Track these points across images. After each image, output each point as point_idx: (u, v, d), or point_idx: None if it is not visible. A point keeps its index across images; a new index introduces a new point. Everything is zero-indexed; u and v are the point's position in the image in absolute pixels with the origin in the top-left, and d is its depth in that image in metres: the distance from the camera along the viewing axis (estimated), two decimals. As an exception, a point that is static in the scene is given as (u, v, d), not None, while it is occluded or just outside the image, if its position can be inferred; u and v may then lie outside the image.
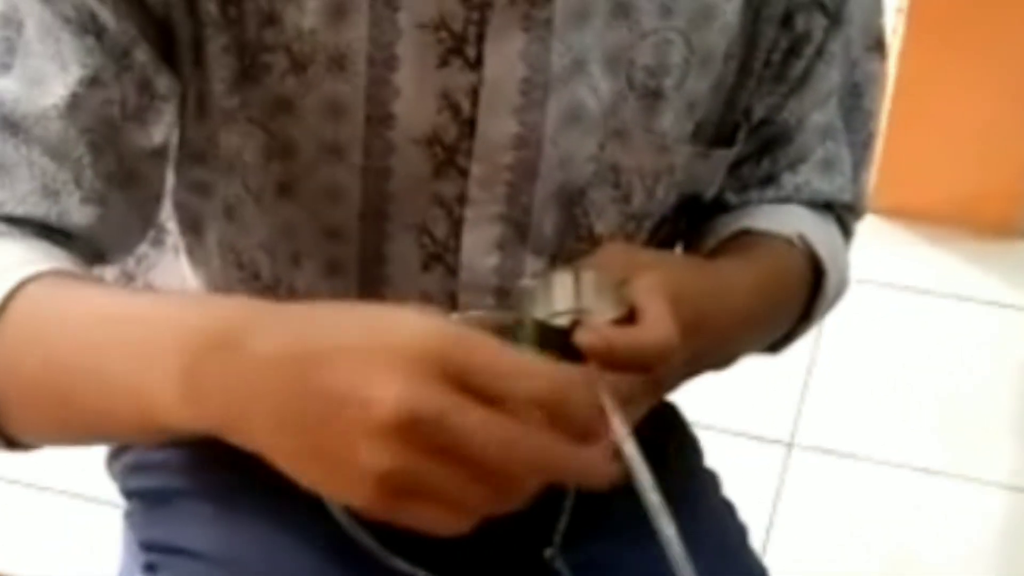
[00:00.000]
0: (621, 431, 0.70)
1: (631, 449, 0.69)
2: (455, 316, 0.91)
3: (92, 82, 0.80)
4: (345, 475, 0.61)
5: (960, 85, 2.17)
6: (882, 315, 2.18)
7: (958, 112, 2.20)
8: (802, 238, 0.95)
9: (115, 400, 0.69)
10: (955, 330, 2.16)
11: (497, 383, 0.60)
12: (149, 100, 0.82)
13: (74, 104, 0.80)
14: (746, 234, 0.95)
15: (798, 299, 0.97)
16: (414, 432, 0.58)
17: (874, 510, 1.91)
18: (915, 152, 2.24)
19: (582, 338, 0.74)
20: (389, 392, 0.58)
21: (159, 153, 0.84)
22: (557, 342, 0.74)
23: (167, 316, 0.69)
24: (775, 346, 1.00)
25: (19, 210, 0.79)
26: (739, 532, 1.07)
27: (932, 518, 1.90)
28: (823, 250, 0.96)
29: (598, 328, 0.75)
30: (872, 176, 2.53)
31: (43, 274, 0.74)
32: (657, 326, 0.77)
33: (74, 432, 0.76)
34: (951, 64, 2.16)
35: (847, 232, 1.03)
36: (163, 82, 0.82)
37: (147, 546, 1.02)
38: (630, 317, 0.77)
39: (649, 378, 0.77)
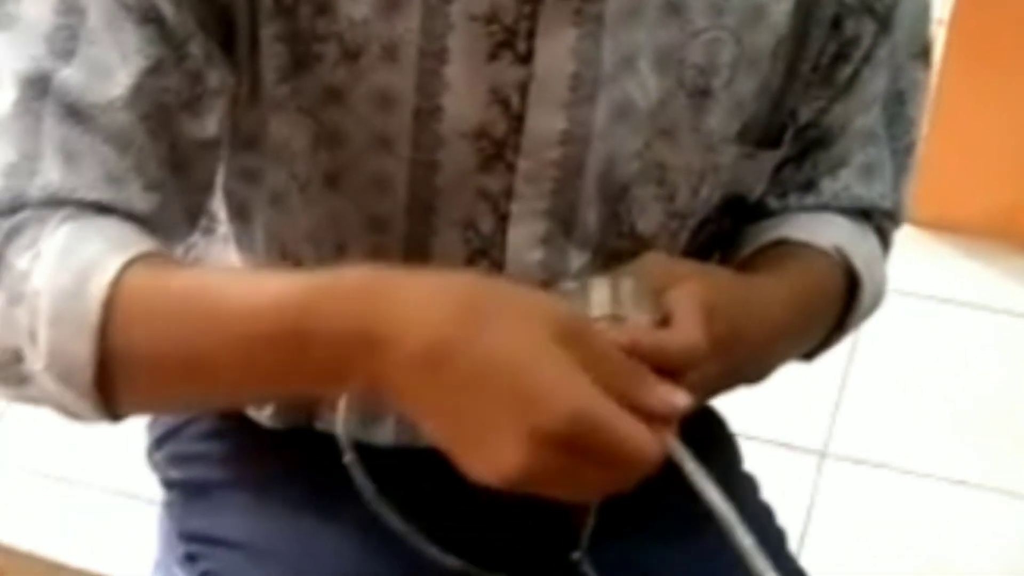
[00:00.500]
0: (673, 443, 0.73)
1: (682, 453, 0.74)
2: None
3: (152, 71, 0.81)
4: (496, 462, 0.69)
5: (1001, 98, 2.16)
6: (919, 326, 2.17)
7: (999, 125, 2.19)
8: (839, 250, 0.95)
9: (248, 374, 0.74)
10: (993, 343, 2.15)
11: (630, 384, 0.70)
12: (201, 92, 0.83)
13: (137, 94, 0.80)
14: (783, 244, 0.95)
15: (833, 311, 0.97)
16: (575, 441, 0.68)
17: (908, 521, 1.91)
18: (955, 165, 2.23)
19: (610, 336, 0.75)
20: (565, 404, 0.68)
21: (211, 143, 0.85)
22: None
23: (295, 308, 0.73)
24: (808, 354, 1.01)
25: (91, 195, 0.79)
26: (778, 535, 1.07)
27: (967, 530, 1.90)
28: (860, 262, 0.96)
29: (629, 329, 0.76)
30: (912, 188, 2.50)
31: (142, 255, 0.76)
32: (685, 330, 0.78)
33: (200, 397, 0.81)
34: (992, 76, 2.15)
35: (885, 242, 1.03)
36: (215, 76, 0.83)
37: (187, 536, 1.03)
38: (663, 324, 0.78)
39: (682, 386, 0.78)
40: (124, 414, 0.79)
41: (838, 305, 0.97)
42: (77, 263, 0.76)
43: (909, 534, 1.89)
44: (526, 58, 0.84)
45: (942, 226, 2.27)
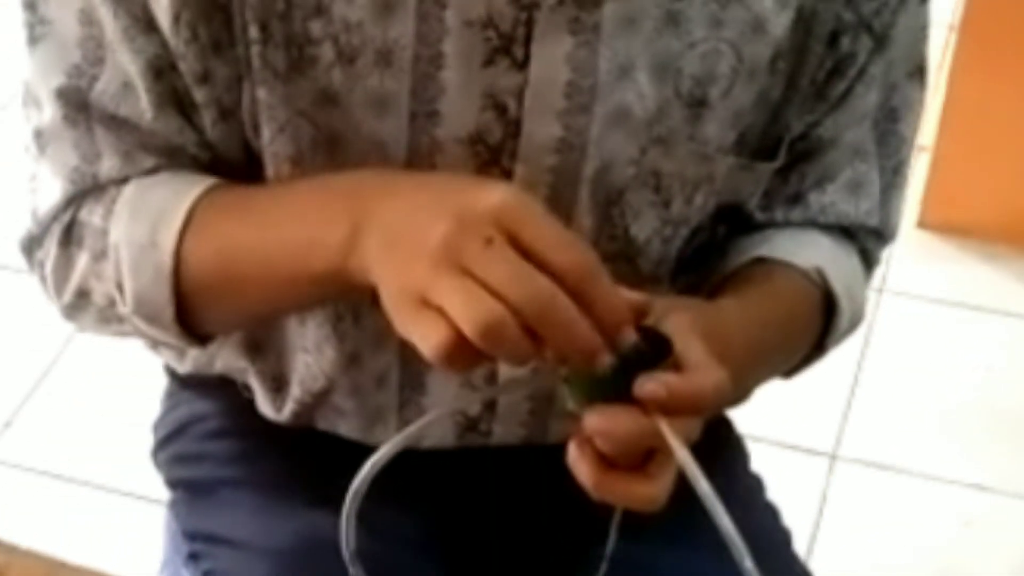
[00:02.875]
0: (681, 452, 0.74)
1: (689, 460, 0.74)
2: (501, 382, 0.94)
3: (161, 76, 0.86)
4: (395, 286, 0.75)
5: (1011, 101, 2.16)
6: (929, 330, 2.17)
7: (1009, 128, 2.18)
8: (819, 272, 0.95)
9: (279, 256, 0.84)
10: (1003, 346, 2.15)
11: (541, 245, 0.72)
12: (189, 105, 0.87)
13: (160, 100, 0.87)
14: (762, 263, 0.95)
15: (811, 332, 0.97)
16: (445, 254, 0.72)
17: (919, 525, 1.90)
18: (965, 168, 2.23)
19: (644, 389, 0.75)
20: (446, 225, 0.73)
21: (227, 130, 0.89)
22: (605, 390, 0.75)
23: (328, 180, 0.85)
24: (787, 372, 1.00)
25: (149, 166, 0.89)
26: (783, 535, 1.07)
27: (979, 534, 1.89)
28: (839, 285, 0.96)
29: (656, 378, 0.75)
30: (923, 192, 2.50)
31: (201, 196, 0.87)
32: (708, 370, 0.78)
33: (244, 307, 0.90)
34: (1002, 80, 2.15)
35: (869, 262, 1.03)
36: (201, 93, 0.86)
37: (191, 536, 1.04)
38: (662, 353, 0.78)
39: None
40: (209, 337, 0.92)
41: (816, 326, 0.97)
42: (148, 214, 0.87)
43: (921, 537, 1.88)
44: (522, 64, 0.84)
45: (952, 229, 2.27)
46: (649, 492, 0.77)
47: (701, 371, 0.77)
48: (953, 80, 2.17)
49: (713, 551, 0.75)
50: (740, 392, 0.91)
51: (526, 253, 0.72)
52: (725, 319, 0.87)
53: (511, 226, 0.73)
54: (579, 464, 0.77)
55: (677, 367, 0.77)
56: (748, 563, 0.73)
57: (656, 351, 0.77)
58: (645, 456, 0.77)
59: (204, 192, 0.87)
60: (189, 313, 0.88)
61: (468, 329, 0.71)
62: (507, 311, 0.71)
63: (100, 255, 0.88)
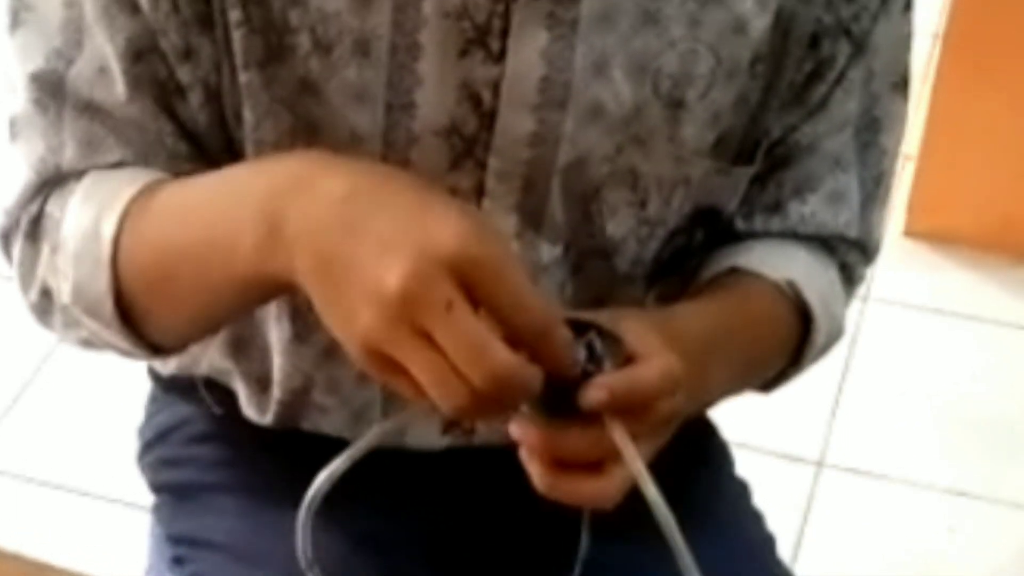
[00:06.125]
0: (637, 465, 0.75)
1: (644, 475, 0.75)
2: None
3: (139, 59, 0.85)
4: (349, 329, 0.73)
5: (996, 110, 2.17)
6: (914, 337, 2.17)
7: (993, 136, 2.19)
8: (791, 285, 0.94)
9: (207, 257, 0.81)
10: (988, 353, 2.15)
11: (497, 303, 0.71)
12: (176, 84, 0.86)
13: (136, 85, 0.86)
14: (733, 273, 0.95)
15: (785, 343, 0.96)
16: (404, 312, 0.70)
17: (905, 532, 1.91)
18: (950, 176, 2.24)
19: (589, 398, 0.75)
20: (402, 272, 0.70)
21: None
22: (563, 399, 0.76)
23: (246, 176, 0.82)
24: (765, 386, 1.00)
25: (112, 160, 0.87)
26: (767, 541, 1.07)
27: (963, 540, 1.89)
28: (813, 297, 0.95)
29: (599, 383, 0.76)
30: (908, 200, 2.50)
31: (145, 187, 0.85)
32: (654, 360, 0.78)
33: (183, 310, 0.86)
34: (987, 88, 2.16)
35: (851, 277, 1.02)
36: (185, 71, 0.85)
37: (175, 539, 1.04)
38: (628, 362, 0.78)
39: (655, 414, 0.78)
40: (159, 343, 0.88)
41: (791, 339, 0.96)
42: (94, 203, 0.85)
43: (905, 544, 1.89)
44: (498, 57, 0.84)
45: (936, 237, 2.28)
46: (603, 489, 0.77)
47: (643, 362, 0.78)
48: (938, 88, 2.17)
49: (690, 551, 0.75)
50: (705, 393, 0.90)
51: (485, 309, 0.72)
52: (677, 314, 0.87)
53: (469, 279, 0.71)
54: (530, 465, 0.77)
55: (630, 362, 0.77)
56: (679, 540, 0.75)
57: (610, 352, 0.77)
58: (599, 459, 0.77)
59: (151, 183, 0.85)
60: (130, 309, 0.86)
61: (442, 407, 0.72)
62: (471, 392, 0.71)
63: (56, 247, 0.87)
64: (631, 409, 0.76)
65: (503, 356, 0.71)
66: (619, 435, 0.75)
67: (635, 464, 0.75)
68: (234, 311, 0.89)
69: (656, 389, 0.77)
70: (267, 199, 0.77)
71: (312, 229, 0.75)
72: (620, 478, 0.77)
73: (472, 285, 0.71)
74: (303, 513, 0.79)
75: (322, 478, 0.78)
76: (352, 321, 0.72)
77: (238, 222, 0.78)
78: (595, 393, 0.75)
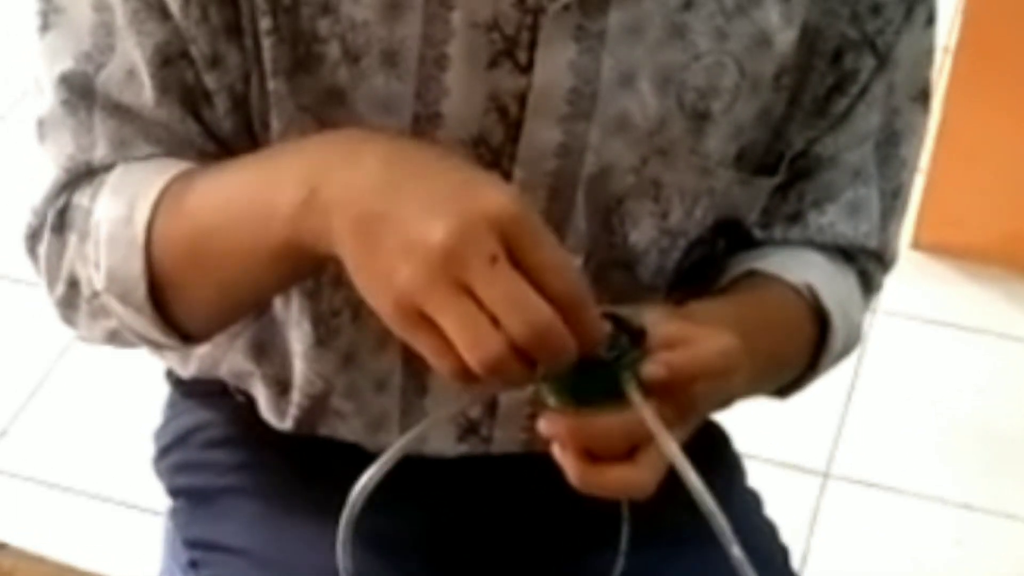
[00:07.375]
0: (671, 447, 0.75)
1: (681, 459, 0.74)
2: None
3: (168, 64, 0.86)
4: (384, 285, 0.73)
5: (1006, 123, 2.17)
6: (922, 350, 2.17)
7: (1004, 150, 2.19)
8: (809, 288, 0.95)
9: (242, 223, 0.82)
10: (995, 367, 2.15)
11: (538, 263, 0.72)
12: (203, 90, 0.87)
13: (163, 89, 0.86)
14: (753, 274, 0.95)
15: (803, 347, 0.96)
16: (447, 266, 0.71)
17: (911, 544, 1.91)
18: (959, 190, 2.24)
19: (649, 372, 0.76)
20: (447, 228, 0.71)
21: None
22: (589, 390, 0.77)
23: (287, 152, 0.83)
24: (782, 391, 1.00)
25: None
26: (781, 552, 1.07)
27: (969, 553, 1.90)
28: (831, 302, 0.95)
29: (659, 359, 0.76)
30: (917, 213, 2.50)
31: (180, 173, 0.86)
32: (712, 339, 0.79)
33: (210, 284, 0.86)
34: (997, 102, 2.16)
35: (869, 285, 1.02)
36: (212, 79, 0.86)
37: (191, 544, 1.04)
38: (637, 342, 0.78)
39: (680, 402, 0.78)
40: (186, 329, 0.88)
41: (808, 343, 0.96)
42: (127, 190, 0.86)
43: (911, 556, 1.89)
44: (526, 68, 0.84)
45: (946, 251, 2.28)
46: (637, 478, 0.77)
47: (700, 341, 0.78)
48: (948, 102, 2.18)
49: (723, 561, 0.76)
50: (727, 392, 0.89)
51: (525, 271, 0.73)
52: (698, 312, 0.88)
53: (512, 240, 0.72)
54: (563, 459, 0.77)
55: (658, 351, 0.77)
56: (736, 551, 0.74)
57: (633, 340, 0.78)
58: (631, 447, 0.77)
59: (185, 171, 0.86)
60: (161, 293, 0.86)
61: (470, 360, 0.72)
62: (506, 343, 0.72)
63: (85, 235, 0.88)
64: (687, 386, 0.77)
65: (545, 309, 0.72)
66: (652, 419, 0.75)
67: (669, 446, 0.75)
68: (261, 288, 0.89)
69: (717, 366, 0.78)
70: (309, 167, 0.79)
71: (353, 192, 0.76)
72: (654, 465, 0.77)
73: (514, 245, 0.72)
74: (342, 530, 0.80)
75: (356, 491, 0.78)
76: (389, 276, 0.73)
77: (277, 186, 0.79)
78: (655, 368, 0.76)
